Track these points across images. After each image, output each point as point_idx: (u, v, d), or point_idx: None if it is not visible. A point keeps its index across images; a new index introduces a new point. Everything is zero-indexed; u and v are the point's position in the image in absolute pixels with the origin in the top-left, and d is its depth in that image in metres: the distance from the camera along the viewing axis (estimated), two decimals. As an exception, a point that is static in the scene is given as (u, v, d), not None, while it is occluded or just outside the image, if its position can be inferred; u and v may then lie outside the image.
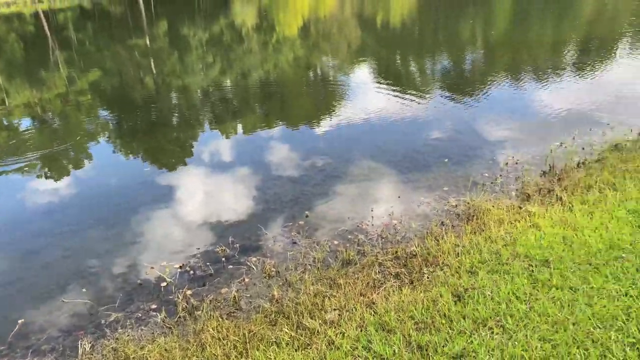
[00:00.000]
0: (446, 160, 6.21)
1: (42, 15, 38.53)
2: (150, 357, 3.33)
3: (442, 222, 4.72)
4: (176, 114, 10.20)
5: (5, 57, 20.94)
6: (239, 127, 8.79)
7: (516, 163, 5.93)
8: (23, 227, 5.69)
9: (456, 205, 5.03)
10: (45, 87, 14.00)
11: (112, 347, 3.50)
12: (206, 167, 7.06)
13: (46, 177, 6.94)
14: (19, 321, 3.96)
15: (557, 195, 4.84)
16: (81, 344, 3.60)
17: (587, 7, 22.35)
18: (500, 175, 5.64)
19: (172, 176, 6.77)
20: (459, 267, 3.91)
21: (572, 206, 4.60)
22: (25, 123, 10.33)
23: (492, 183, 5.49)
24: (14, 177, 7.02)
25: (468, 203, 4.94)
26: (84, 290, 4.30)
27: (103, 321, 3.90)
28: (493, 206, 4.76)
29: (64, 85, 14.02)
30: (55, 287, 4.45)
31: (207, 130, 8.89)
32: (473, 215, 4.70)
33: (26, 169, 7.27)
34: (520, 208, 4.72)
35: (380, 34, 19.05)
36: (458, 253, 4.11)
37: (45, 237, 5.41)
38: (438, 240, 4.34)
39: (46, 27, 31.62)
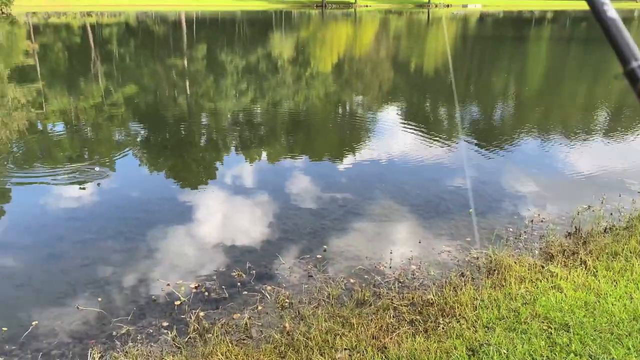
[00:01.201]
0: (470, 210, 6.17)
1: (89, 28, 40.13)
2: (156, 375, 3.32)
3: (462, 273, 4.66)
4: (204, 135, 10.40)
5: (50, 64, 21.76)
6: (264, 154, 8.90)
7: (541, 221, 5.86)
8: (46, 231, 5.82)
9: (477, 257, 4.97)
10: (82, 96, 14.48)
11: (120, 360, 3.50)
12: (228, 190, 7.14)
13: (71, 185, 7.09)
14: (33, 322, 4.00)
15: (581, 258, 4.75)
16: (91, 353, 3.61)
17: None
18: (525, 232, 5.57)
19: (194, 195, 6.86)
20: (475, 321, 3.84)
21: (597, 271, 4.50)
22: (58, 129, 10.66)
23: (515, 238, 5.42)
24: (42, 182, 7.21)
25: (490, 256, 4.88)
26: (99, 299, 4.34)
27: (114, 333, 3.91)
28: (515, 262, 4.69)
29: (100, 96, 14.47)
30: (71, 293, 4.50)
31: (232, 154, 9.03)
32: (494, 270, 4.63)
33: (54, 175, 7.46)
34: (543, 267, 4.64)
35: (413, 78, 19.28)
36: (476, 306, 4.04)
37: (66, 243, 5.51)
38: (456, 291, 4.28)
39: (91, 40, 32.90)
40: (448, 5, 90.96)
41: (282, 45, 31.98)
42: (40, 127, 10.81)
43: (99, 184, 7.11)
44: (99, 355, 3.59)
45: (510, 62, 24.47)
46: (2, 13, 48.75)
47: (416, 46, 31.82)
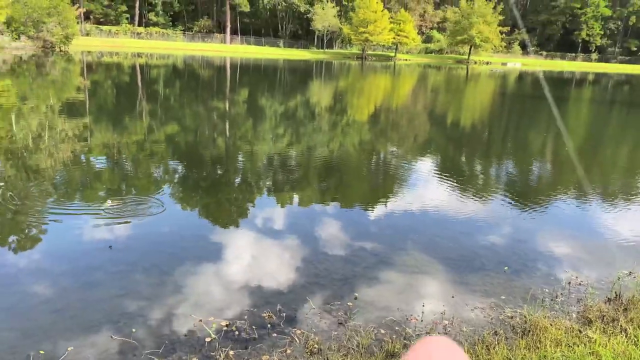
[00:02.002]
0: (505, 268, 6.07)
1: (138, 68, 42.20)
2: (183, 410, 3.33)
3: (495, 332, 4.56)
4: (239, 176, 10.64)
5: (98, 100, 22.89)
6: (297, 198, 9.03)
7: (579, 284, 5.70)
8: (83, 260, 6.00)
9: (512, 317, 4.86)
10: (125, 132, 15.12)
11: (149, 393, 3.54)
12: (261, 231, 7.24)
13: (108, 218, 7.33)
14: (69, 348, 4.10)
15: (621, 325, 4.58)
16: (121, 383, 3.67)
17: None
18: (562, 294, 5.43)
19: (226, 235, 6.99)
20: (508, 382, 3.74)
21: (638, 340, 4.33)
22: (100, 163, 11.13)
23: (552, 300, 5.28)
24: (80, 213, 7.49)
25: (525, 317, 4.76)
26: (132, 330, 4.43)
27: (145, 365, 3.97)
28: (551, 324, 4.56)
29: (143, 134, 15.08)
30: (105, 322, 4.60)
31: (265, 196, 9.19)
32: (529, 331, 4.52)
33: (91, 207, 7.75)
34: (580, 332, 4.49)
35: (449, 131, 19.36)
36: (509, 367, 3.93)
37: (102, 273, 5.66)
38: (489, 350, 4.18)
39: (139, 79, 34.55)
40: (488, 63, 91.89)
41: (320, 92, 32.79)
42: (83, 159, 11.30)
43: (134, 219, 7.33)
44: (129, 386, 3.64)
45: (550, 121, 24.35)
46: (60, 51, 51.88)
47: (454, 100, 32.09)
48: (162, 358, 4.06)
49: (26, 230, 6.84)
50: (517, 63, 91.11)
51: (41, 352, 4.05)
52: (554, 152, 16.02)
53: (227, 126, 17.84)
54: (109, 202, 7.71)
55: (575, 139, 18.99)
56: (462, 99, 33.39)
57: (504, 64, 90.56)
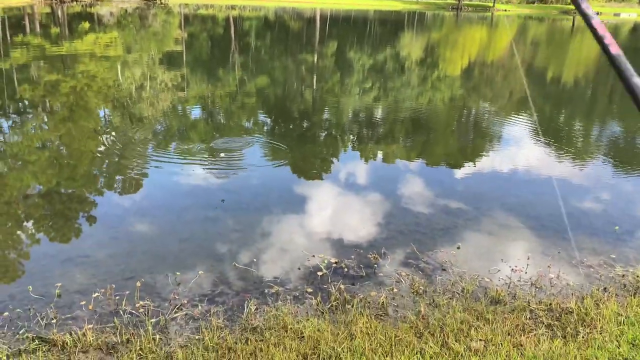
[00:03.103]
0: (616, 227, 5.86)
1: (231, 21, 43.18)
2: (305, 331, 3.70)
3: (605, 288, 4.51)
4: (327, 130, 10.82)
5: (194, 52, 23.88)
6: (391, 154, 9.12)
7: (699, 249, 5.42)
8: (203, 198, 6.57)
9: (623, 275, 4.76)
10: (219, 84, 15.80)
11: (273, 314, 3.95)
12: (361, 184, 7.48)
13: (222, 168, 7.84)
14: (200, 272, 4.63)
15: None
16: (247, 304, 4.11)
17: None
18: (679, 257, 5.20)
19: (330, 185, 7.30)
20: (619, 335, 3.74)
21: None
22: (195, 112, 11.82)
23: (668, 262, 5.09)
24: (178, 162, 8.10)
25: (638, 276, 4.65)
26: (254, 260, 4.88)
27: (266, 291, 4.40)
28: (667, 286, 4.44)
29: (235, 85, 15.67)
30: (228, 252, 5.10)
31: (359, 150, 9.35)
32: (642, 290, 4.43)
33: (191, 155, 8.33)
34: (700, 296, 4.33)
35: (548, 88, 18.24)
36: (620, 322, 3.92)
37: (221, 210, 6.19)
38: (598, 305, 4.17)
39: (232, 32, 35.43)
40: (598, 13, 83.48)
41: (411, 45, 31.88)
42: (180, 109, 12.05)
43: (240, 170, 7.82)
44: (254, 307, 4.07)
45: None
46: (161, 3, 54.14)
47: (556, 55, 29.92)
48: (280, 286, 4.46)
49: (149, 173, 7.56)
50: (633, 13, 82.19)
51: (177, 273, 4.60)
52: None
53: (315, 79, 18.02)
54: (219, 153, 8.28)
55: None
56: (564, 53, 31.03)
57: (616, 14, 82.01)
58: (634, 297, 4.31)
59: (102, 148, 8.48)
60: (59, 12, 40.63)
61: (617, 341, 3.69)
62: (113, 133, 9.45)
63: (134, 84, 14.62)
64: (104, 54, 20.19)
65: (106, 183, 7.10)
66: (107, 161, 7.89)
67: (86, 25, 30.56)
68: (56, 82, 13.87)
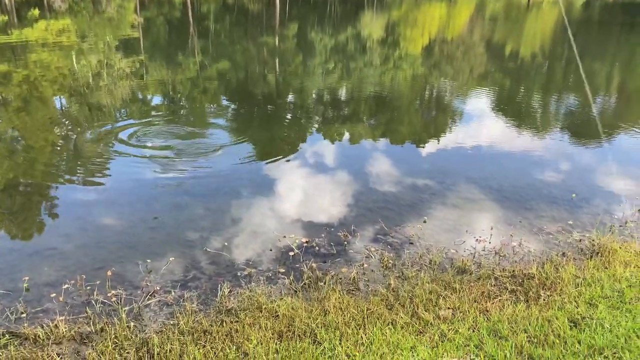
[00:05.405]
0: (573, 195, 6.13)
1: (189, 4, 42.09)
2: (279, 310, 3.77)
3: (564, 253, 4.74)
4: (291, 112, 10.80)
5: (152, 37, 23.26)
6: (357, 134, 9.21)
7: (650, 211, 5.74)
8: (169, 187, 6.49)
9: (580, 240, 5.01)
10: (179, 69, 15.49)
11: (247, 296, 4.00)
12: (332, 163, 7.55)
13: (181, 154, 7.74)
14: (170, 258, 4.62)
15: (692, 250, 4.65)
16: (220, 287, 4.14)
17: None
18: (631, 220, 5.49)
19: (296, 167, 7.33)
20: (577, 296, 3.96)
21: None
22: (156, 99, 11.60)
23: (621, 226, 5.36)
24: (144, 147, 7.98)
25: (593, 240, 4.90)
26: (225, 244, 4.90)
27: (239, 273, 4.44)
28: (620, 247, 4.70)
29: (196, 70, 15.41)
30: (198, 237, 5.10)
31: (324, 131, 9.40)
32: (597, 253, 4.67)
33: (157, 142, 8.22)
34: (650, 255, 4.61)
35: (507, 63, 18.65)
36: (578, 284, 4.14)
37: (188, 197, 6.14)
38: (558, 269, 4.39)
39: (190, 15, 34.58)
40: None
41: (372, 24, 31.89)
42: (140, 96, 11.79)
43: (204, 151, 7.75)
44: (228, 290, 4.11)
45: (618, 50, 22.90)
46: (113, -13, 52.19)
47: (513, 31, 30.51)
48: (253, 268, 4.51)
49: (113, 163, 7.41)
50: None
51: (148, 260, 4.58)
52: (618, 83, 15.26)
53: (277, 62, 17.88)
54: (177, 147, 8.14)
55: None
56: (521, 29, 31.67)
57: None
58: (590, 260, 4.55)
59: (61, 139, 8.25)
60: (6, -1, 38.76)
61: (576, 301, 3.90)
62: (72, 123, 9.19)
63: (91, 72, 14.18)
64: (57, 42, 19.44)
65: (69, 174, 6.93)
66: (67, 152, 7.69)
67: (36, 12, 29.29)
68: (7, 72, 13.32)
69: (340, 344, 3.39)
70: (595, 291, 4.02)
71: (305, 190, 6.47)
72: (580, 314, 3.72)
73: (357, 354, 3.29)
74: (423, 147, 8.42)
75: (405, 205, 5.96)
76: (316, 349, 3.34)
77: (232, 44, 23.07)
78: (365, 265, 4.57)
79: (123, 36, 22.77)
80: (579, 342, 3.40)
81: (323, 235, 5.12)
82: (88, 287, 4.14)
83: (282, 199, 6.15)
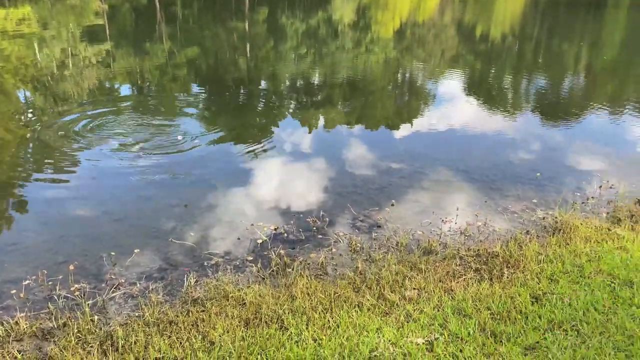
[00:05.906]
0: (538, 174, 6.25)
1: (155, -11, 41.01)
2: (246, 298, 3.76)
3: (527, 231, 4.84)
4: (263, 99, 10.70)
5: (117, 25, 22.66)
6: (325, 119, 9.19)
7: (610, 187, 5.88)
8: (135, 177, 6.35)
9: (543, 218, 5.11)
10: (147, 57, 15.15)
11: (213, 285, 3.97)
12: (299, 149, 7.51)
13: (149, 145, 7.64)
14: (135, 250, 4.55)
15: (650, 224, 4.80)
16: (187, 277, 4.10)
17: None
18: (593, 197, 5.63)
19: (264, 155, 7.27)
20: (539, 273, 4.05)
21: (665, 237, 4.56)
22: (124, 88, 11.34)
23: (582, 203, 5.50)
24: (114, 139, 7.82)
25: (556, 217, 5.01)
26: (191, 234, 4.85)
27: (205, 263, 4.40)
28: (581, 224, 4.81)
29: (164, 58, 15.10)
30: (164, 228, 5.03)
31: (292, 117, 9.33)
32: (559, 229, 4.78)
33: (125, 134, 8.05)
34: (610, 230, 4.74)
35: (478, 45, 18.81)
36: (540, 261, 4.23)
37: (154, 187, 6.04)
38: (521, 247, 4.47)
39: (157, 1, 33.77)
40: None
41: (343, 8, 31.69)
42: (107, 86, 11.50)
43: (173, 142, 7.61)
44: (194, 280, 4.07)
45: (584, 30, 23.28)
46: (75, -26, 50.56)
47: (483, 12, 30.72)
48: (220, 257, 4.48)
49: (76, 155, 7.23)
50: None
51: (112, 253, 4.50)
52: (586, 63, 15.54)
53: (248, 47, 17.65)
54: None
55: (610, 49, 18.26)
56: (491, 10, 31.90)
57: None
58: (553, 237, 4.65)
59: (24, 132, 8.01)
60: (-37, -13, 37.17)
61: (538, 278, 3.99)
62: (35, 115, 8.92)
63: (55, 62, 13.76)
64: (18, 31, 18.78)
65: (30, 168, 6.74)
66: (30, 146, 7.47)
67: (-6, 0, 28.17)
68: (-35, 64, 12.83)
69: (307, 328, 3.40)
70: (557, 267, 4.11)
71: (275, 178, 6.43)
72: (542, 290, 3.80)
73: (324, 337, 3.31)
74: (394, 131, 8.46)
75: (374, 189, 5.98)
76: (283, 334, 3.35)
77: (201, 29, 22.64)
78: (334, 250, 4.58)
79: (87, 24, 22.13)
80: (539, 317, 3.48)
81: (292, 222, 5.11)
82: (50, 282, 4.06)
83: (252, 187, 6.10)
